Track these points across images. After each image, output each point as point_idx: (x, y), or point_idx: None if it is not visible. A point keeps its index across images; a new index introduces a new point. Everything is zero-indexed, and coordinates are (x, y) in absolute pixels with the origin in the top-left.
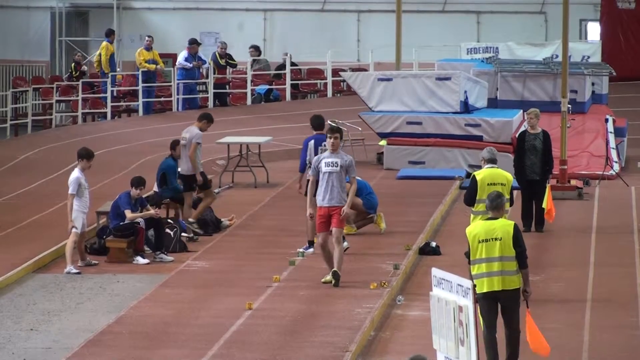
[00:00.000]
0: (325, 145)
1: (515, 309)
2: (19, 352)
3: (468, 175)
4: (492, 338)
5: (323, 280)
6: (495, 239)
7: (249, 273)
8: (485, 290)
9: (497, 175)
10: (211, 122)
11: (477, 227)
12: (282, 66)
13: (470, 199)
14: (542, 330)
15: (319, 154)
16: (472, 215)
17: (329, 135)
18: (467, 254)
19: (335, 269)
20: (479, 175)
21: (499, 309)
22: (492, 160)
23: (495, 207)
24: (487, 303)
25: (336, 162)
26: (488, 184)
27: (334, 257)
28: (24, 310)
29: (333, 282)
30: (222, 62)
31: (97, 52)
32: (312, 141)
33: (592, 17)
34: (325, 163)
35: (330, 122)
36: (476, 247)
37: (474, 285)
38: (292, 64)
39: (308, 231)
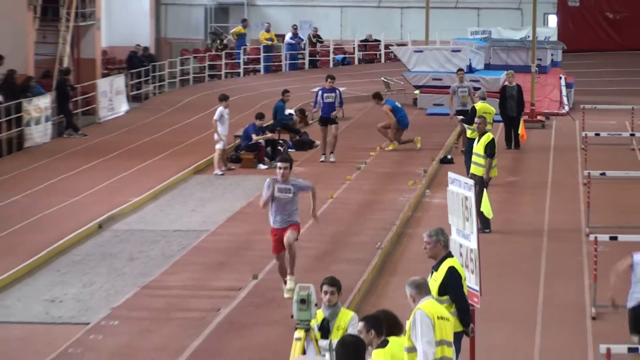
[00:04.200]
0: (325, 97)
1: None
2: (185, 225)
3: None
4: None
5: (286, 296)
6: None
7: (331, 175)
8: None
9: (486, 107)
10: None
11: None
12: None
13: (469, 120)
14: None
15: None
16: (469, 131)
17: (279, 165)
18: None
19: (289, 275)
20: (477, 106)
21: None
22: (483, 98)
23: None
24: None
25: (289, 189)
26: (483, 112)
27: (286, 264)
28: (188, 198)
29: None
30: (314, 40)
31: (234, 32)
32: (321, 89)
33: (552, 11)
34: (278, 189)
35: (383, 79)
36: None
37: (474, 182)
38: (364, 40)
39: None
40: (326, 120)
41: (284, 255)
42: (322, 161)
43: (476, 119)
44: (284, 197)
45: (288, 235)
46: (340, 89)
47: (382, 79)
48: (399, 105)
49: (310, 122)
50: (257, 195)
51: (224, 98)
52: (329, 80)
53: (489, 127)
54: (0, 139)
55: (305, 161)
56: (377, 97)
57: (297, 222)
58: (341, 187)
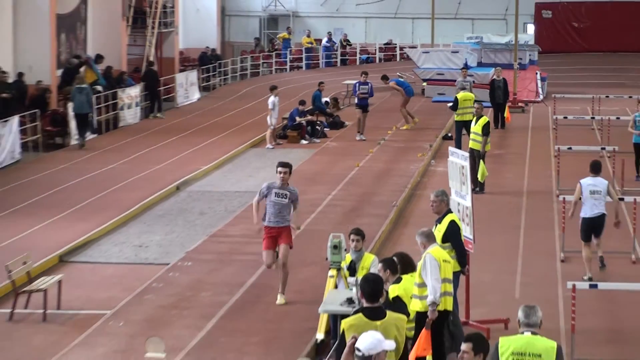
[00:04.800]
0: (361, 88)
1: None
2: (243, 187)
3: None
4: None
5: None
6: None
7: (357, 148)
8: None
9: (466, 95)
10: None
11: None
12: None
13: (454, 106)
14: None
15: (273, 182)
16: (454, 115)
17: (279, 170)
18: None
19: (280, 294)
20: (459, 95)
21: None
22: (463, 88)
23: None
24: None
25: (285, 194)
26: (462, 100)
27: (281, 279)
28: (245, 166)
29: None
30: (344, 43)
31: (280, 36)
32: (357, 83)
33: (530, 21)
34: (275, 193)
35: (398, 74)
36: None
37: (472, 154)
38: (385, 44)
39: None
40: (362, 106)
41: (274, 254)
42: (358, 139)
43: (475, 105)
44: (280, 202)
45: (283, 253)
46: (402, 78)
47: (397, 74)
48: (402, 80)
49: (341, 107)
50: (300, 164)
51: (273, 88)
52: (364, 75)
53: (468, 110)
54: (100, 120)
55: (337, 138)
56: (384, 77)
57: (290, 226)
58: (365, 158)
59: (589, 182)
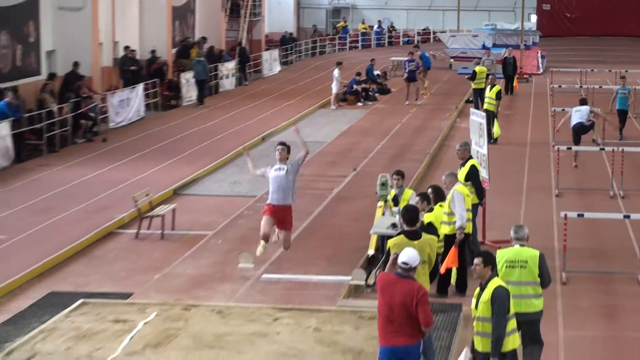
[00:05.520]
0: (409, 65)
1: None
2: (313, 138)
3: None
4: None
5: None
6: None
7: (400, 110)
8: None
9: (482, 69)
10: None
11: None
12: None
13: (472, 77)
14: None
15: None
16: (472, 84)
17: (278, 148)
18: None
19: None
20: (476, 69)
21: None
22: (478, 64)
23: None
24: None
25: (282, 167)
26: (479, 72)
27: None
28: (315, 122)
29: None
30: (390, 29)
31: (339, 25)
32: (406, 61)
33: (533, 12)
34: (275, 168)
35: (431, 53)
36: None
37: (487, 114)
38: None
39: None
40: (410, 78)
41: (272, 223)
42: (407, 104)
43: (490, 76)
44: (279, 175)
45: (285, 239)
46: (426, 53)
47: (431, 52)
48: (426, 54)
49: (387, 78)
50: (356, 121)
51: (339, 63)
52: (410, 54)
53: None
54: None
55: (384, 101)
56: (416, 46)
57: (291, 208)
58: (406, 117)
59: (576, 108)
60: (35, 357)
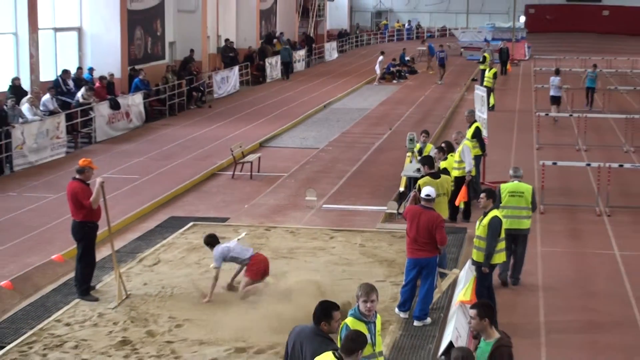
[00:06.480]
0: (439, 54)
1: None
2: (360, 105)
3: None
4: None
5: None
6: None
7: (425, 84)
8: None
9: (488, 55)
10: (405, 48)
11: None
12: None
13: (483, 61)
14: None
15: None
16: (480, 66)
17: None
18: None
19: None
20: (486, 54)
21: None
22: (485, 51)
23: None
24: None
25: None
26: (487, 57)
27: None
28: (362, 94)
29: None
30: (417, 27)
31: (382, 23)
32: (437, 51)
33: (522, 14)
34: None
35: (447, 44)
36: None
37: (485, 86)
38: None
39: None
40: (441, 65)
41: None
42: (440, 83)
43: (489, 61)
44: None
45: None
46: (432, 44)
47: (447, 44)
48: (432, 45)
49: (415, 62)
50: (393, 94)
51: (382, 52)
52: (440, 46)
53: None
54: (281, 69)
55: (413, 80)
56: (424, 41)
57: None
58: (428, 90)
59: (552, 77)
60: (159, 263)
